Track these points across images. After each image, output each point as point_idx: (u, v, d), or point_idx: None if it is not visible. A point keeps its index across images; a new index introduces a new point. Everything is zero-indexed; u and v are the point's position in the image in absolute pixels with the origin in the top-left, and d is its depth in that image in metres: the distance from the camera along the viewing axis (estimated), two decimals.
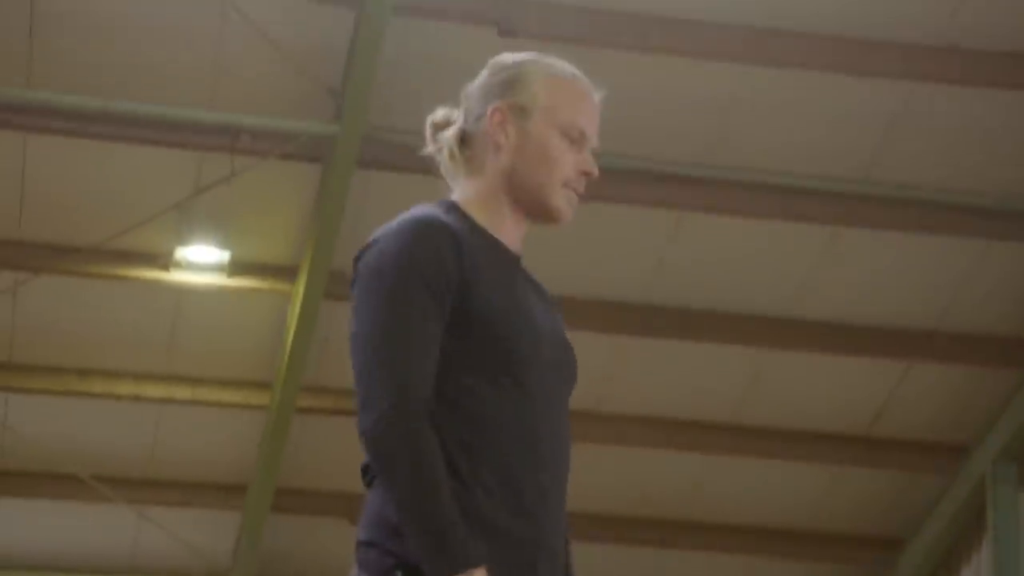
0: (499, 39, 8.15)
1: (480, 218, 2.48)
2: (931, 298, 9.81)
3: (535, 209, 2.54)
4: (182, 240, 9.57)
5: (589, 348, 9.66)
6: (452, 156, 2.54)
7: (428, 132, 2.57)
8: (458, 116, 2.53)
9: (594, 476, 10.19)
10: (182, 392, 10.79)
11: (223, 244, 9.64)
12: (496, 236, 2.48)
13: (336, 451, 10.71)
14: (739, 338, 10.00)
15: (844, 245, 9.54)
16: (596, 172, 2.53)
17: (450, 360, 2.38)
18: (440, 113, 2.56)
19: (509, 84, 2.52)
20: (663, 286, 9.75)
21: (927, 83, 8.72)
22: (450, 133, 2.54)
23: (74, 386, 10.71)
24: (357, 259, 2.43)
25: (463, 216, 2.46)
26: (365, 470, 2.41)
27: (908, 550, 11.09)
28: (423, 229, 2.41)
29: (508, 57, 2.58)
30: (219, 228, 9.57)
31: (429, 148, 2.57)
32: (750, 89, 8.80)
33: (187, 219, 9.43)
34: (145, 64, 8.78)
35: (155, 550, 11.95)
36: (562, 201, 2.53)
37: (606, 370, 10.21)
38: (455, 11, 8.42)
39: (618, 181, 8.79)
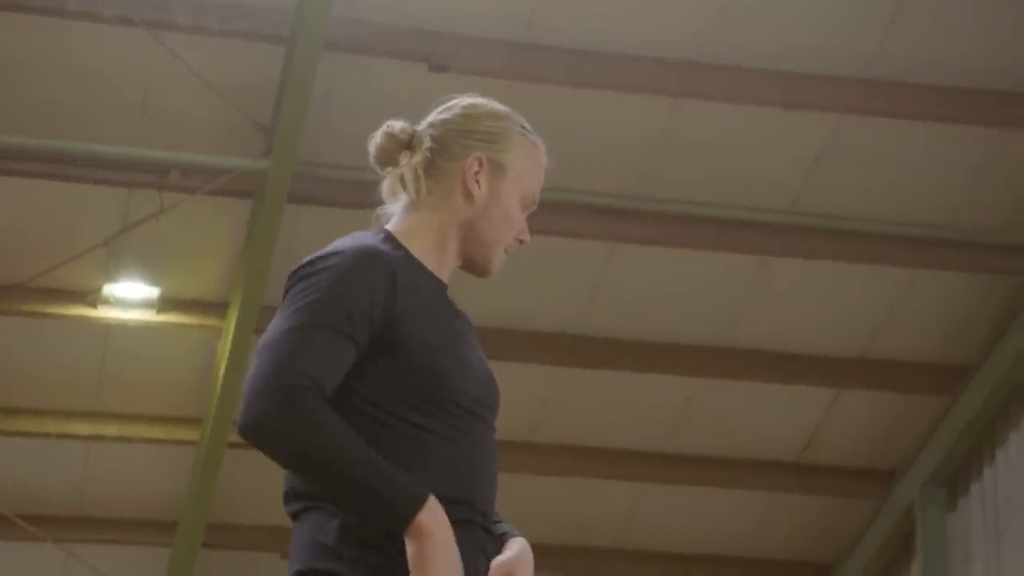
0: (430, 75, 8.23)
1: (416, 250, 2.48)
2: (860, 326, 9.95)
3: (475, 261, 2.56)
4: (110, 276, 9.49)
5: (523, 379, 9.77)
6: (416, 180, 2.51)
7: (382, 141, 2.52)
8: (426, 142, 2.51)
9: (528, 506, 10.23)
10: (111, 429, 10.66)
11: (152, 280, 9.59)
12: (429, 269, 2.48)
13: (268, 486, 10.57)
14: (671, 367, 10.09)
15: (774, 275, 9.68)
16: (528, 240, 2.59)
17: (383, 390, 2.38)
18: (399, 126, 2.53)
19: (493, 137, 2.53)
20: (596, 317, 9.84)
21: (853, 115, 8.90)
22: (418, 159, 2.51)
23: (0, 424, 10.59)
24: (294, 272, 2.43)
25: (397, 246, 2.46)
26: (288, 498, 2.37)
27: (841, 573, 11.27)
28: (363, 259, 2.40)
29: (487, 104, 2.58)
30: (148, 264, 9.51)
31: (377, 157, 2.53)
32: (681, 122, 8.93)
33: (115, 255, 9.35)
34: (73, 101, 8.77)
35: None
36: (498, 262, 2.57)
37: (540, 400, 10.33)
38: (385, 47, 8.47)
39: (551, 214, 8.85)
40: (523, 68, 8.48)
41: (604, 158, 8.94)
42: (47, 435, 10.71)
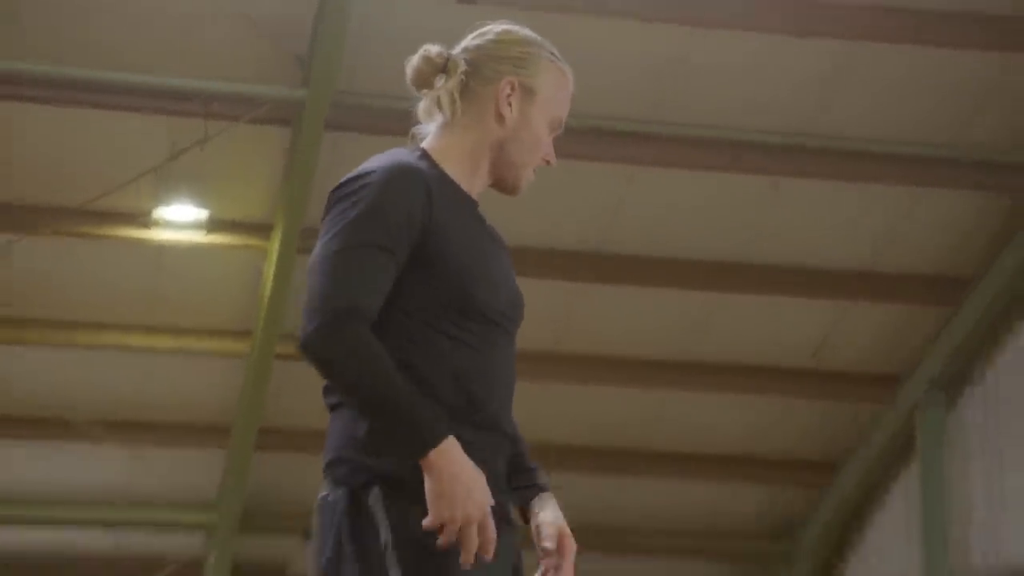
0: (458, 6, 8.22)
1: (450, 168, 2.46)
2: (865, 241, 10.10)
3: (504, 180, 2.57)
4: (161, 200, 9.56)
5: (548, 294, 9.98)
6: (452, 103, 2.50)
7: (419, 64, 2.51)
8: (460, 65, 2.50)
9: (555, 411, 10.52)
10: (165, 342, 10.82)
11: (200, 203, 9.66)
12: (462, 186, 2.49)
13: (315, 393, 10.74)
14: (689, 282, 10.22)
15: (785, 194, 9.79)
16: (554, 161, 2.60)
17: (417, 301, 2.40)
18: (435, 50, 2.51)
19: (524, 62, 2.52)
20: (618, 235, 10.02)
21: (861, 41, 8.96)
22: (453, 82, 2.51)
23: (64, 338, 10.76)
24: (335, 190, 2.44)
25: (433, 164, 2.45)
26: (327, 391, 2.44)
27: (847, 470, 11.48)
28: (398, 174, 2.41)
29: (520, 31, 2.58)
30: (196, 188, 9.56)
31: (413, 80, 2.52)
32: (698, 50, 9.01)
33: (164, 181, 9.40)
34: (121, 34, 8.85)
35: (147, 486, 12.05)
36: (526, 181, 2.59)
37: (564, 313, 10.54)
38: None
39: (575, 139, 8.96)
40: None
41: (625, 85, 9.08)
42: (106, 347, 10.86)
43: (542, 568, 2.54)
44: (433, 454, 2.23)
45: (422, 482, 2.28)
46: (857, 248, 10.04)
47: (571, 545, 2.55)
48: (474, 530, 2.27)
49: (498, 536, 2.39)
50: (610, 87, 8.84)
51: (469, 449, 2.35)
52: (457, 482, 2.23)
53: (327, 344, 2.28)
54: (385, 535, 2.33)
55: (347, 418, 2.37)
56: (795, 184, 9.58)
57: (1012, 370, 10.20)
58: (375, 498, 2.34)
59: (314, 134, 8.91)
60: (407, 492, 2.31)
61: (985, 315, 9.97)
